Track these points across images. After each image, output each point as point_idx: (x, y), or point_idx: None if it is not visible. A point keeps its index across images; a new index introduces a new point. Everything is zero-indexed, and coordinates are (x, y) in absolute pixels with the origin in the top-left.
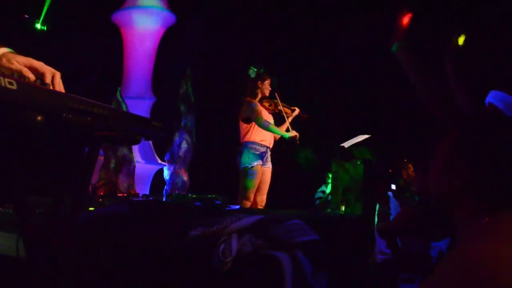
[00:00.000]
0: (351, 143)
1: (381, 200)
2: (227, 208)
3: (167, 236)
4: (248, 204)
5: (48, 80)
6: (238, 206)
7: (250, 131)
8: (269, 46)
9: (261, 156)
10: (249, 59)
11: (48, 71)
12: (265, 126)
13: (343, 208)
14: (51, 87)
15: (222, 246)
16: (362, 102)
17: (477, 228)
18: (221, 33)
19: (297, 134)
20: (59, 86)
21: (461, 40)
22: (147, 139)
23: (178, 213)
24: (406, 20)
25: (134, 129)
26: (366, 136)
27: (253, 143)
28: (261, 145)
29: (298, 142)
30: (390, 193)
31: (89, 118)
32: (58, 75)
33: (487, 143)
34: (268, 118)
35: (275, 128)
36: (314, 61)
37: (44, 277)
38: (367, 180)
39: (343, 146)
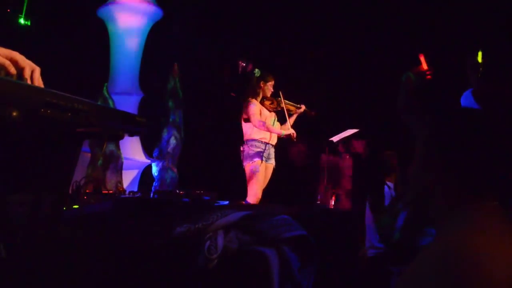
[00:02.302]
0: (340, 138)
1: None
2: (215, 204)
3: (152, 233)
4: (255, 200)
5: (27, 74)
6: (227, 202)
7: (251, 130)
8: (258, 40)
9: (262, 153)
10: (237, 54)
11: (28, 65)
12: (258, 126)
13: (332, 202)
14: (29, 82)
15: (208, 242)
16: (351, 96)
17: (453, 219)
18: (209, 28)
19: (293, 132)
20: (38, 82)
21: (479, 57)
22: (131, 135)
23: (164, 209)
24: (424, 64)
25: (116, 125)
26: (355, 131)
27: (253, 140)
28: (261, 142)
29: (295, 139)
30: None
31: (69, 114)
32: (37, 70)
33: (457, 134)
34: (270, 116)
35: (270, 127)
36: (303, 55)
37: (26, 277)
38: (357, 174)
39: (332, 141)
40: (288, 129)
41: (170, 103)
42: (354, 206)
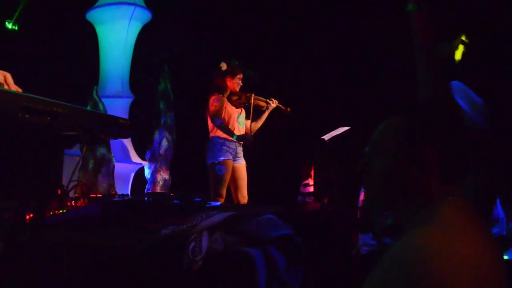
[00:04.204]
0: (331, 136)
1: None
2: (207, 205)
3: (138, 236)
4: (221, 200)
5: (1, 79)
6: (219, 203)
7: None
8: (248, 40)
9: (229, 151)
10: (228, 55)
11: None
12: (217, 125)
13: (326, 200)
14: (6, 87)
15: (192, 244)
16: (342, 93)
17: (414, 219)
18: (199, 28)
19: (249, 135)
20: (14, 87)
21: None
22: (115, 137)
23: (151, 212)
24: None
25: (98, 128)
26: (346, 128)
27: (221, 138)
28: (229, 140)
29: (249, 144)
30: None
31: (48, 118)
32: (9, 76)
33: (430, 129)
34: (234, 112)
35: (224, 128)
36: (294, 54)
37: (11, 281)
38: (350, 172)
39: (323, 139)
40: (240, 132)
41: (161, 105)
42: (346, 204)
